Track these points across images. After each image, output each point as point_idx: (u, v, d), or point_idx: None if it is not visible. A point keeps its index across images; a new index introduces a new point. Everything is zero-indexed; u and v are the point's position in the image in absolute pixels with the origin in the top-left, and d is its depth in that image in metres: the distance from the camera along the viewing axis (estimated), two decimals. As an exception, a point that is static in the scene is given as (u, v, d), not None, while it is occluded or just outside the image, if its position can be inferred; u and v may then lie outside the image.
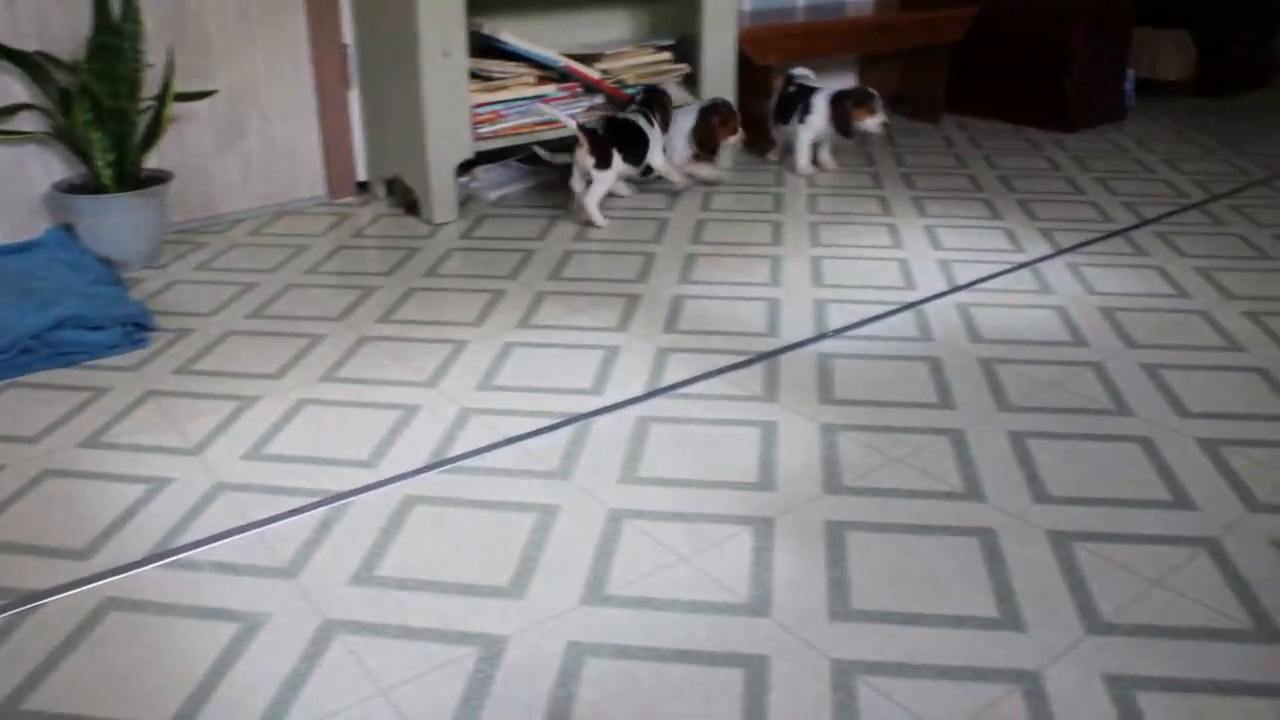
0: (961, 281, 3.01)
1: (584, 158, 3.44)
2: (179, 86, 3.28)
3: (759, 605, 1.69)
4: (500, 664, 1.58)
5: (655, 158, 3.72)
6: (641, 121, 3.67)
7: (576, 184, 3.52)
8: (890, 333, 2.67)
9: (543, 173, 3.93)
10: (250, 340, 2.67)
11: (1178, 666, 1.57)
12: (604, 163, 3.46)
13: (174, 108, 3.23)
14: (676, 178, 3.85)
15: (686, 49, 4.08)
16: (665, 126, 3.77)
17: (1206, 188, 4.03)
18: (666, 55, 4.04)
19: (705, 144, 3.88)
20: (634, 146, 3.64)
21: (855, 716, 1.47)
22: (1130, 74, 5.31)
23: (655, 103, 3.76)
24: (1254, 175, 4.22)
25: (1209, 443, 2.18)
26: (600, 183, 3.49)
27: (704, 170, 3.97)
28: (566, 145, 3.53)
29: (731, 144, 3.94)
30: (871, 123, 4.06)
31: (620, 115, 3.68)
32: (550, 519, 1.91)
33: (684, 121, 3.89)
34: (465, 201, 3.70)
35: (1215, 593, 1.73)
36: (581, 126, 3.45)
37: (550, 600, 1.71)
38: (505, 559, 1.81)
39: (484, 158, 3.87)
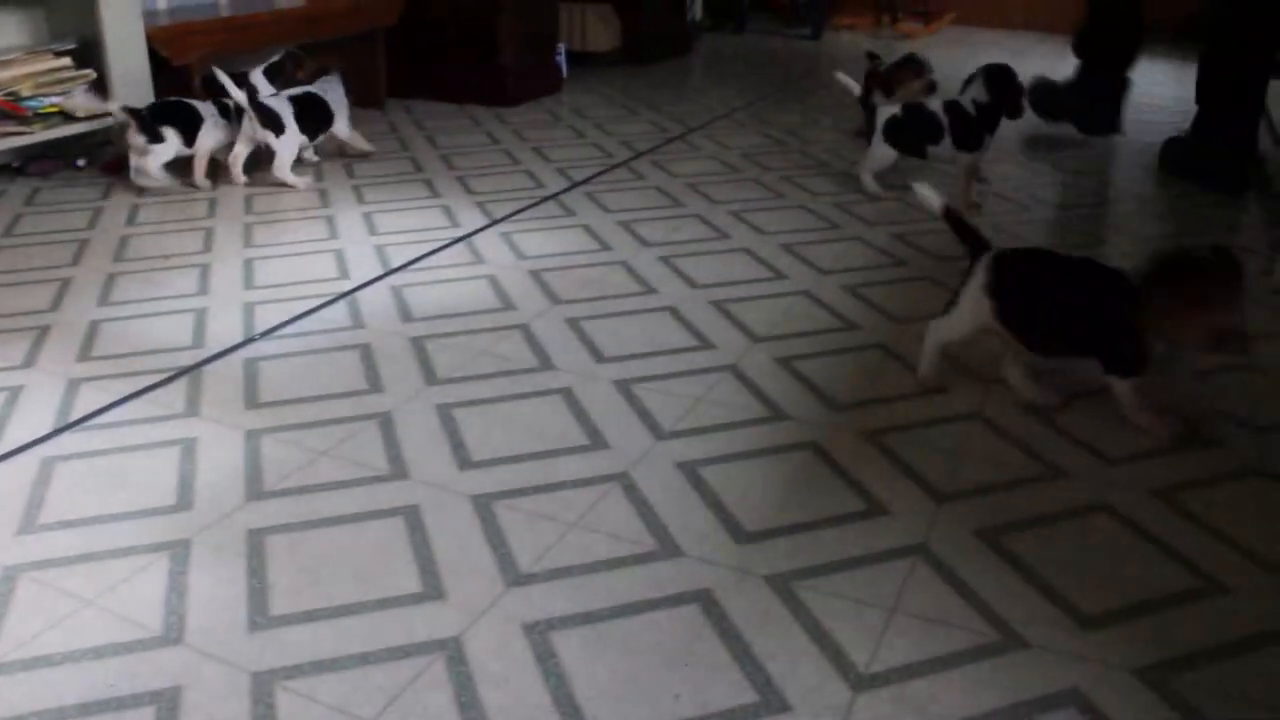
0: (396, 264, 3.02)
1: (134, 136, 3.59)
2: None
3: (172, 634, 1.58)
4: None
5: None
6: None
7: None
8: (321, 326, 2.62)
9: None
10: None
11: (590, 600, 1.65)
12: (155, 138, 3.61)
13: None
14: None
15: (89, 53, 3.77)
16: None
17: (631, 146, 4.32)
18: (67, 61, 3.73)
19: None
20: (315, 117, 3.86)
21: (274, 726, 1.42)
22: (562, 47, 5.59)
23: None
24: (672, 132, 4.58)
25: (623, 383, 2.33)
26: (158, 154, 3.63)
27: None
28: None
29: None
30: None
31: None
32: (-68, 592, 1.69)
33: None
34: None
35: (625, 523, 1.84)
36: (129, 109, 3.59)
37: (-71, 684, 1.50)
38: (-126, 649, 1.57)
39: None
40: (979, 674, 1.53)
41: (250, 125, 3.66)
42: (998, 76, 3.49)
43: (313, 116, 3.83)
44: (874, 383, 2.37)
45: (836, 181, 3.87)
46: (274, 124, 3.66)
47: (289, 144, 3.72)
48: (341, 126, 4.01)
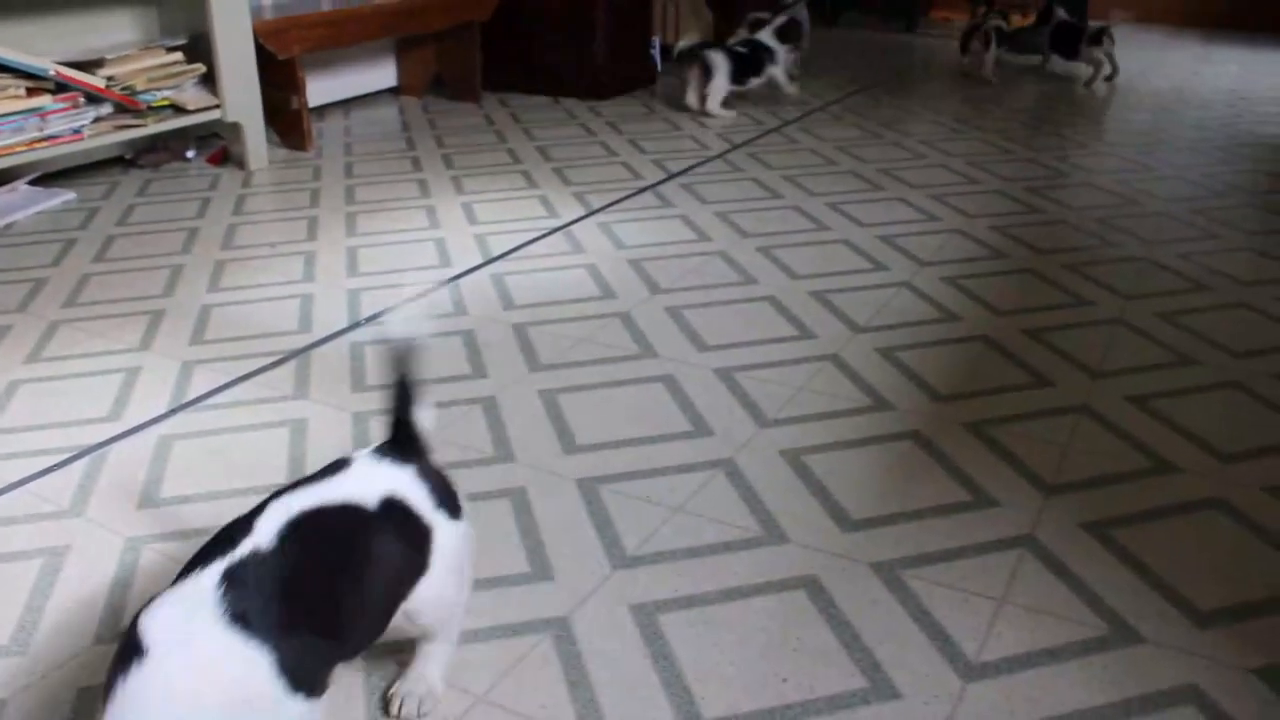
0: (496, 252, 3.05)
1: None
2: None
3: (288, 607, 1.62)
4: (0, 730, 1.42)
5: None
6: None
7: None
8: (425, 312, 2.66)
9: (58, 192, 3.61)
10: None
11: (696, 583, 1.66)
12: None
13: None
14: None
15: (200, 47, 3.87)
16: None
17: (727, 139, 4.31)
18: (178, 56, 3.82)
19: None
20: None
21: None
22: (655, 40, 5.59)
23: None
24: (767, 124, 4.56)
25: (725, 371, 2.33)
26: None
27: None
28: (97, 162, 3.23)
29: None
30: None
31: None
32: (59, 562, 1.75)
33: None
34: (-36, 235, 3.33)
35: (730, 508, 1.84)
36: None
37: (57, 649, 1.56)
38: (5, 615, 1.63)
39: (-19, 184, 3.50)
40: (1092, 667, 1.51)
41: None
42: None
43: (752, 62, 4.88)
44: (977, 374, 2.34)
45: (933, 174, 3.83)
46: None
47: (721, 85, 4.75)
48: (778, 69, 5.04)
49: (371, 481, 1.27)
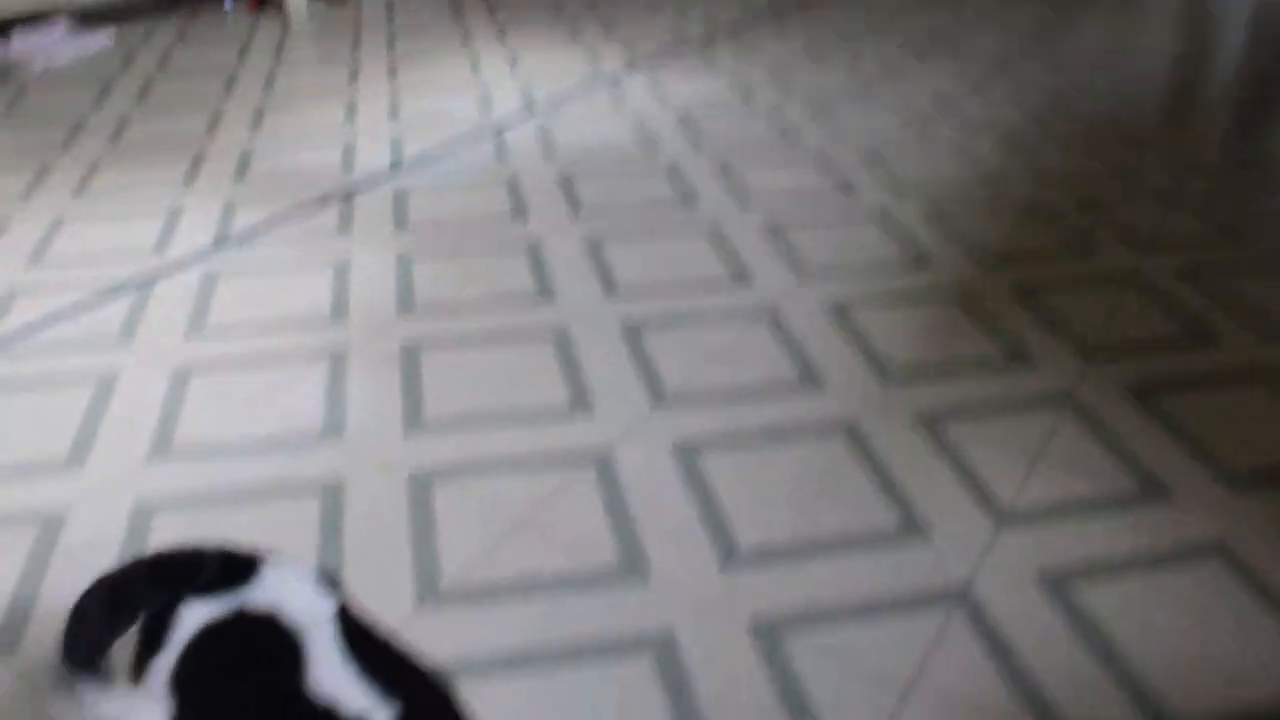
0: (540, 102, 3.02)
1: None
2: None
3: (333, 434, 1.65)
4: (61, 535, 1.47)
5: None
6: None
7: None
8: (468, 159, 2.64)
9: (95, 36, 3.58)
10: None
11: (736, 424, 1.67)
12: None
13: None
14: None
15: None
16: None
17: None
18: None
19: None
20: None
21: (430, 516, 1.48)
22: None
23: None
24: None
25: (770, 226, 2.32)
26: None
27: None
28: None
29: None
30: None
31: None
32: (111, 386, 1.79)
33: None
34: (4, 73, 3.32)
35: (770, 355, 1.85)
36: None
37: (113, 464, 1.60)
38: (62, 432, 1.68)
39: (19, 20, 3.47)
40: (1122, 520, 1.52)
41: None
42: None
43: None
44: (1025, 235, 2.31)
45: (986, 41, 3.74)
46: None
47: None
48: None
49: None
